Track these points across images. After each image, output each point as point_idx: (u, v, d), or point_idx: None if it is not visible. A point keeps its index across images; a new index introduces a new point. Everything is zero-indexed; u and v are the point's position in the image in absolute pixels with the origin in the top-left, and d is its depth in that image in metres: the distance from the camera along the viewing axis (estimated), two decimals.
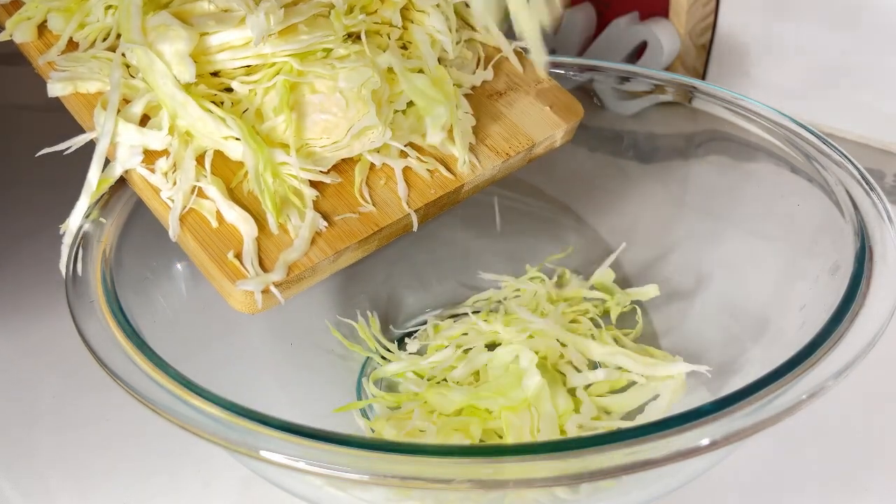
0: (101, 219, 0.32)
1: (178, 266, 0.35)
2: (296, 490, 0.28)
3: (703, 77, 0.58)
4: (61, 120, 0.66)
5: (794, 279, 0.33)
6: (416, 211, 0.32)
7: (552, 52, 0.59)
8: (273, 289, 0.29)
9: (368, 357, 0.38)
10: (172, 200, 0.30)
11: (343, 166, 0.32)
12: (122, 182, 0.34)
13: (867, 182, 0.32)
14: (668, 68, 0.55)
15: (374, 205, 0.32)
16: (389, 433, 0.32)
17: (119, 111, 0.31)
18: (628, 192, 0.42)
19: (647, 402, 0.33)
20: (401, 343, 0.39)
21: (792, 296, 0.32)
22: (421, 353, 0.38)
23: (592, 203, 0.44)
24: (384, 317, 0.41)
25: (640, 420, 0.33)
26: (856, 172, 0.32)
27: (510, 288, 0.41)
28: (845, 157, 0.33)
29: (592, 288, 0.40)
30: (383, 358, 0.38)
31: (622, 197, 0.43)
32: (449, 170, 0.33)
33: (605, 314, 0.39)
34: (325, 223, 0.31)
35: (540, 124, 0.36)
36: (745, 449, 0.34)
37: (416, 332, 0.40)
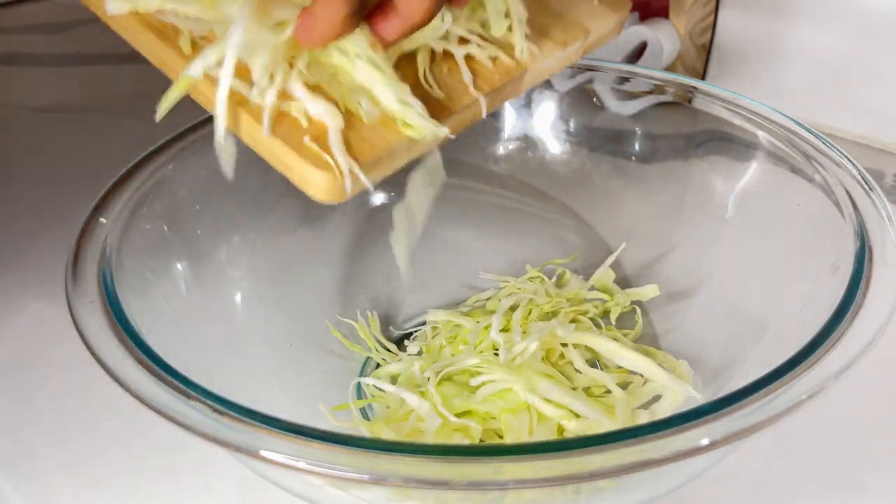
0: (102, 219, 0.32)
1: (178, 266, 0.36)
2: (296, 490, 0.28)
3: (703, 77, 0.58)
4: (61, 120, 0.66)
5: (794, 279, 0.33)
6: (484, 96, 0.31)
7: None
8: (357, 170, 0.28)
9: (368, 357, 0.39)
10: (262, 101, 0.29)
11: (403, 61, 0.32)
12: (122, 182, 0.34)
13: (867, 182, 0.32)
14: (668, 68, 0.55)
15: (441, 90, 0.31)
16: (388, 436, 0.32)
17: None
18: (628, 192, 0.42)
19: (648, 403, 0.33)
20: (400, 343, 0.39)
21: (792, 296, 0.32)
22: (420, 353, 0.38)
23: (592, 203, 0.44)
24: (384, 317, 0.41)
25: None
26: (856, 172, 0.32)
27: (510, 288, 0.41)
28: (845, 157, 0.33)
29: (592, 288, 0.40)
30: (383, 359, 0.38)
31: (622, 197, 0.43)
32: (510, 58, 0.33)
33: (605, 314, 0.39)
34: None
35: (591, 16, 0.35)
36: (745, 449, 0.34)
37: (416, 332, 0.40)
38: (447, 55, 0.32)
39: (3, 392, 0.39)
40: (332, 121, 0.29)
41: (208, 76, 0.29)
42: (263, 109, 0.28)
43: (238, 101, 0.29)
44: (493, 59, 0.33)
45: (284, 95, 0.29)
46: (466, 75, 0.32)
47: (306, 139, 0.28)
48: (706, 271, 0.38)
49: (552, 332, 0.35)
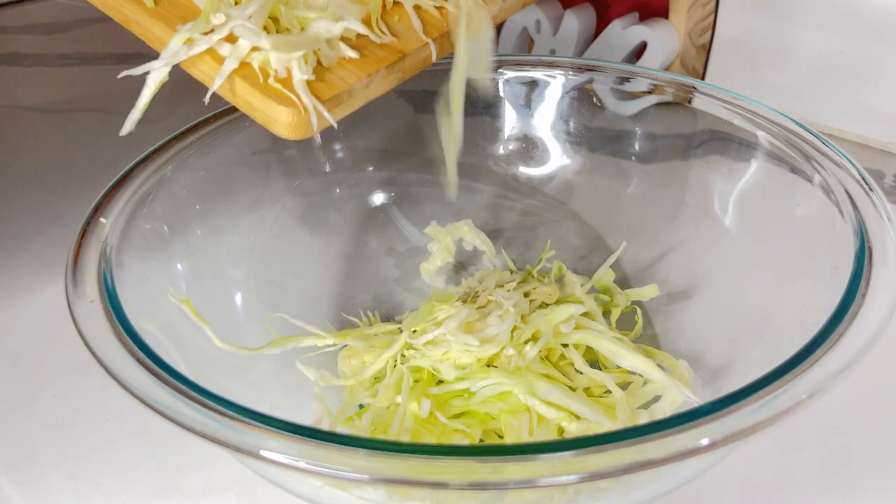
0: (102, 219, 0.32)
1: (179, 266, 0.36)
2: (296, 490, 0.28)
3: (703, 77, 0.58)
4: (61, 120, 0.66)
5: (793, 279, 0.33)
6: (433, 41, 0.34)
7: (552, 52, 0.59)
8: (320, 106, 0.31)
9: None
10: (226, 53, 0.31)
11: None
12: (122, 182, 0.34)
13: (867, 182, 0.32)
14: (668, 68, 0.55)
15: (393, 35, 0.34)
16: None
17: None
18: (628, 192, 0.42)
19: (647, 403, 0.33)
20: None
21: (792, 296, 0.32)
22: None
23: (592, 203, 0.44)
24: (385, 317, 0.41)
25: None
26: (855, 172, 0.32)
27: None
28: (845, 157, 0.33)
29: (593, 289, 0.40)
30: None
31: (622, 197, 0.43)
32: (456, 7, 0.35)
33: (605, 315, 0.39)
34: (355, 53, 0.33)
35: None
36: (745, 449, 0.34)
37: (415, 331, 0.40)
38: (397, 5, 0.35)
39: (3, 392, 0.39)
40: (296, 68, 0.31)
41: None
42: (227, 57, 0.31)
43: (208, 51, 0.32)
44: (440, 9, 0.36)
45: (253, 48, 0.32)
46: (416, 23, 0.35)
47: (270, 80, 0.31)
48: (706, 271, 0.38)
49: (556, 329, 0.35)
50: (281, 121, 0.31)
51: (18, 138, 0.60)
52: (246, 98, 0.31)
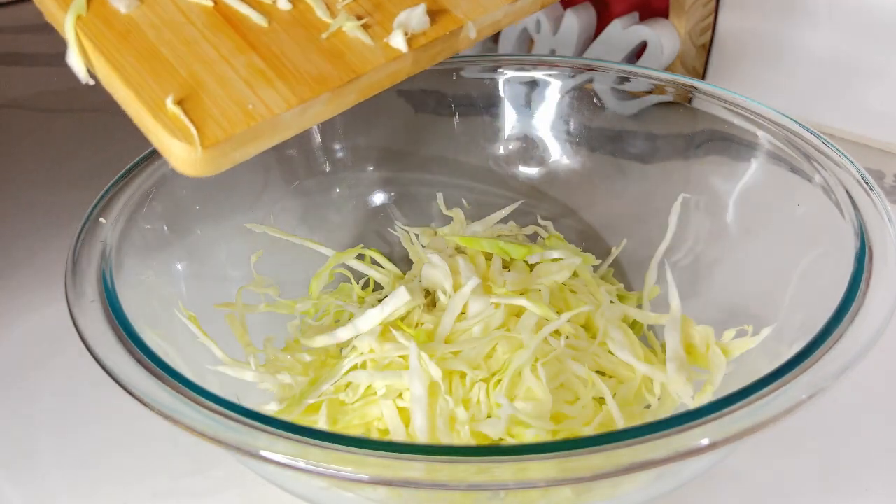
0: (101, 219, 0.32)
1: (178, 266, 0.36)
2: (296, 490, 0.28)
3: (703, 77, 0.58)
4: (61, 120, 0.66)
5: (794, 279, 0.33)
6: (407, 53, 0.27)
7: (552, 52, 0.59)
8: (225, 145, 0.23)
9: None
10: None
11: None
12: (122, 182, 0.34)
13: (867, 182, 0.32)
14: (668, 68, 0.55)
15: (347, 46, 0.26)
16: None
17: None
18: (628, 192, 0.42)
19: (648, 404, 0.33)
20: None
21: (792, 296, 0.32)
22: None
23: (592, 203, 0.44)
24: None
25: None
26: (856, 172, 0.32)
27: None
28: (845, 157, 0.33)
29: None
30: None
31: (622, 197, 0.43)
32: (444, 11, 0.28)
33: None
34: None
35: None
36: (746, 449, 0.34)
37: None
38: None
39: (2, 392, 0.39)
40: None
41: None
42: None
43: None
44: (432, 15, 0.28)
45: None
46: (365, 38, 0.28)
47: (169, 101, 0.24)
48: (706, 271, 0.38)
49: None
50: (178, 154, 0.24)
51: (18, 138, 0.60)
52: (138, 116, 0.26)
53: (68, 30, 0.27)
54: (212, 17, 0.27)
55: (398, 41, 0.28)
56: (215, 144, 0.24)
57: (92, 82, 0.27)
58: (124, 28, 0.27)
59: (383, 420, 0.31)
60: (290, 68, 0.26)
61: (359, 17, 0.28)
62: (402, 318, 0.35)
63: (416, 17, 0.28)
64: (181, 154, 0.24)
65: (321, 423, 0.31)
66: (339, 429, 0.32)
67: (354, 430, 0.31)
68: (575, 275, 0.38)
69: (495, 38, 0.63)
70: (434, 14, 0.29)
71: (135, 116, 0.26)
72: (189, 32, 0.27)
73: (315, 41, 0.27)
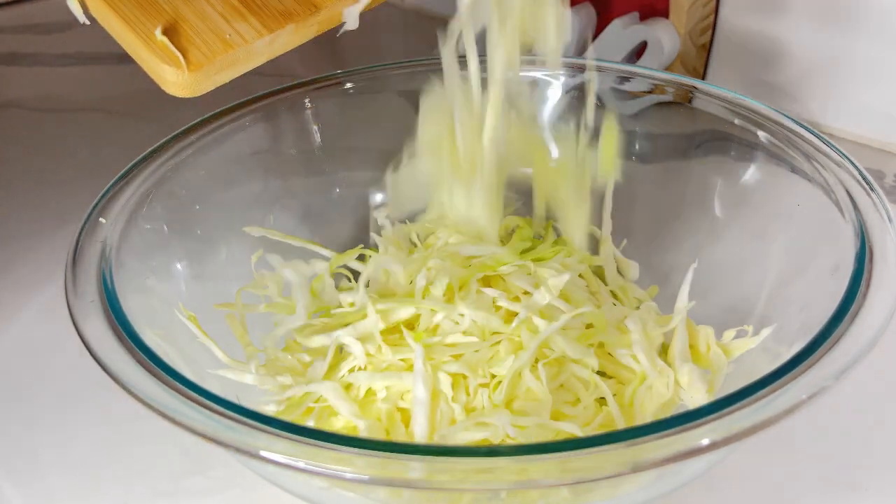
0: (101, 219, 0.32)
1: (178, 266, 0.36)
2: (296, 490, 0.28)
3: (703, 77, 0.58)
4: (61, 120, 0.66)
5: (794, 279, 0.33)
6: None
7: None
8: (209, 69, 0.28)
9: None
10: None
11: None
12: (122, 182, 0.34)
13: (867, 182, 0.32)
14: (668, 68, 0.55)
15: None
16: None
17: None
18: (628, 192, 0.42)
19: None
20: None
21: (792, 296, 0.32)
22: None
23: (593, 203, 0.44)
24: None
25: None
26: (856, 172, 0.32)
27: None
28: (845, 157, 0.33)
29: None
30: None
31: (622, 197, 0.43)
32: None
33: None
34: None
35: None
36: (746, 449, 0.34)
37: None
38: None
39: (2, 392, 0.39)
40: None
41: None
42: None
43: None
44: None
45: None
46: None
47: (158, 32, 0.28)
48: (706, 271, 0.38)
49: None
50: (168, 79, 0.28)
51: (18, 138, 0.60)
52: (131, 46, 0.29)
53: None
54: None
55: None
56: (199, 68, 0.28)
57: (88, 22, 0.30)
58: None
59: (383, 420, 0.31)
60: (259, 4, 0.30)
61: None
62: (406, 322, 0.35)
63: None
64: (170, 78, 0.28)
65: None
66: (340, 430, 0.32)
67: (354, 431, 0.31)
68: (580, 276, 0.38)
69: None
70: None
71: (128, 47, 0.29)
72: None
73: None
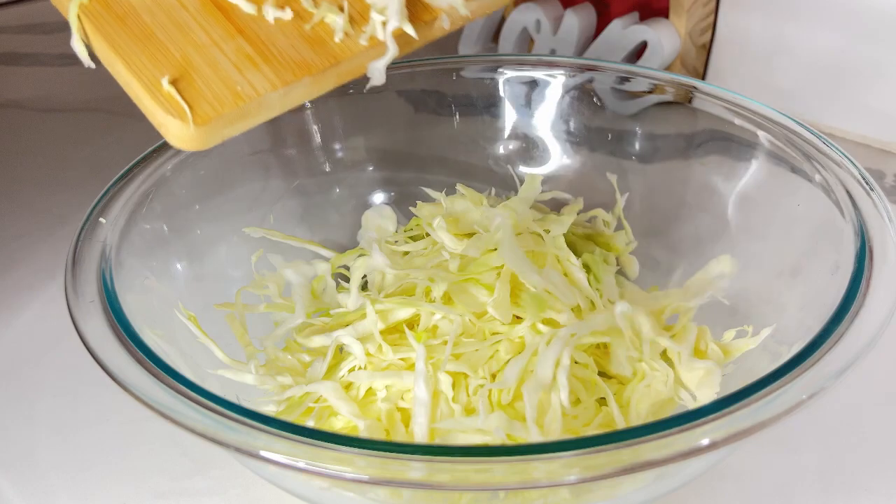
0: (101, 219, 0.32)
1: (178, 266, 0.36)
2: (296, 490, 0.28)
3: (703, 77, 0.58)
4: (61, 120, 0.66)
5: (794, 279, 0.33)
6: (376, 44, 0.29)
7: (552, 51, 0.59)
8: (218, 120, 0.26)
9: None
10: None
11: None
12: (122, 182, 0.34)
13: (867, 182, 0.32)
14: (668, 68, 0.55)
15: (328, 33, 0.29)
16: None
17: None
18: (628, 192, 0.42)
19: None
20: None
21: (792, 296, 0.32)
22: None
23: (593, 203, 0.44)
24: None
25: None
26: (856, 172, 0.32)
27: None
28: (845, 157, 0.33)
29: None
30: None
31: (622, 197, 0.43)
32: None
33: None
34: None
35: None
36: (746, 449, 0.34)
37: None
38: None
39: (2, 392, 0.39)
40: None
41: None
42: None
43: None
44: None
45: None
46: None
47: (165, 81, 0.27)
48: (706, 271, 0.38)
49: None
50: (173, 132, 0.27)
51: (18, 138, 0.60)
52: (136, 95, 0.28)
53: (71, 15, 0.29)
54: (204, 3, 0.30)
55: (376, 30, 0.30)
56: (207, 122, 0.27)
57: (94, 66, 0.29)
58: (122, 12, 0.29)
59: (383, 420, 0.31)
60: (275, 53, 0.28)
61: (340, 8, 0.30)
62: (406, 322, 0.35)
63: (393, 7, 0.30)
64: (176, 131, 0.27)
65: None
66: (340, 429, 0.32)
67: (354, 431, 0.31)
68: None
69: (495, 37, 0.63)
70: (411, 4, 0.31)
71: (133, 95, 0.28)
72: (182, 17, 0.29)
73: (299, 28, 0.29)
